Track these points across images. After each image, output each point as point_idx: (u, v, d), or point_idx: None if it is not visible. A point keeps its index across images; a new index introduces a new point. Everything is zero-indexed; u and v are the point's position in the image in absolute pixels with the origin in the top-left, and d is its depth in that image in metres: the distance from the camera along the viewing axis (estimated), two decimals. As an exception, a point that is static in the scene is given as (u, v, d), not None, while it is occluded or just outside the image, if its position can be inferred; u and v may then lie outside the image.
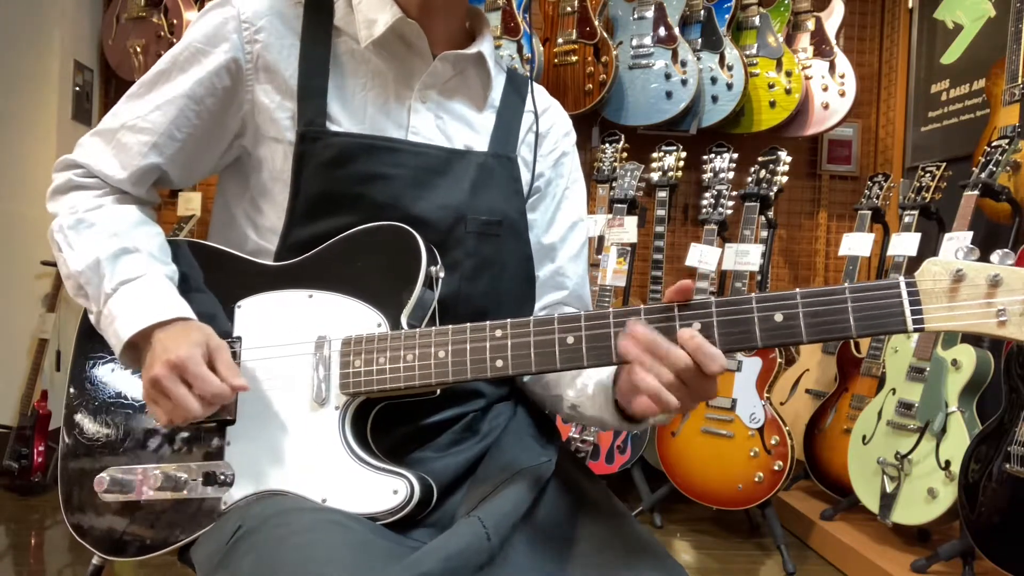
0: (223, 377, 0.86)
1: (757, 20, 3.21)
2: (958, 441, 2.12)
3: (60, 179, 1.00)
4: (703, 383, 0.78)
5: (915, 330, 0.72)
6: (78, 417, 1.00)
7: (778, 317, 0.76)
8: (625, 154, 3.07)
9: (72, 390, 1.01)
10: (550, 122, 1.14)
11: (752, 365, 2.53)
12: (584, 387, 0.97)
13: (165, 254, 0.98)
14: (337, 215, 0.95)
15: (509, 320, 0.85)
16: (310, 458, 0.88)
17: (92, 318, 0.95)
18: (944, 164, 2.64)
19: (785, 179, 2.78)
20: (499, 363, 0.84)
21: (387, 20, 0.99)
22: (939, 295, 0.72)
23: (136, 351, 0.91)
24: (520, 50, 3.13)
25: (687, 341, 0.76)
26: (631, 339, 0.79)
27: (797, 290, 0.76)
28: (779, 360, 2.53)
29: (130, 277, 0.92)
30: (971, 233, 2.25)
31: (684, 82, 3.07)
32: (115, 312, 0.91)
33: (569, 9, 3.16)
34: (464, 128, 1.05)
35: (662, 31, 3.12)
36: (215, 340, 0.89)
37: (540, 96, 1.15)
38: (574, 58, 3.15)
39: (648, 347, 0.78)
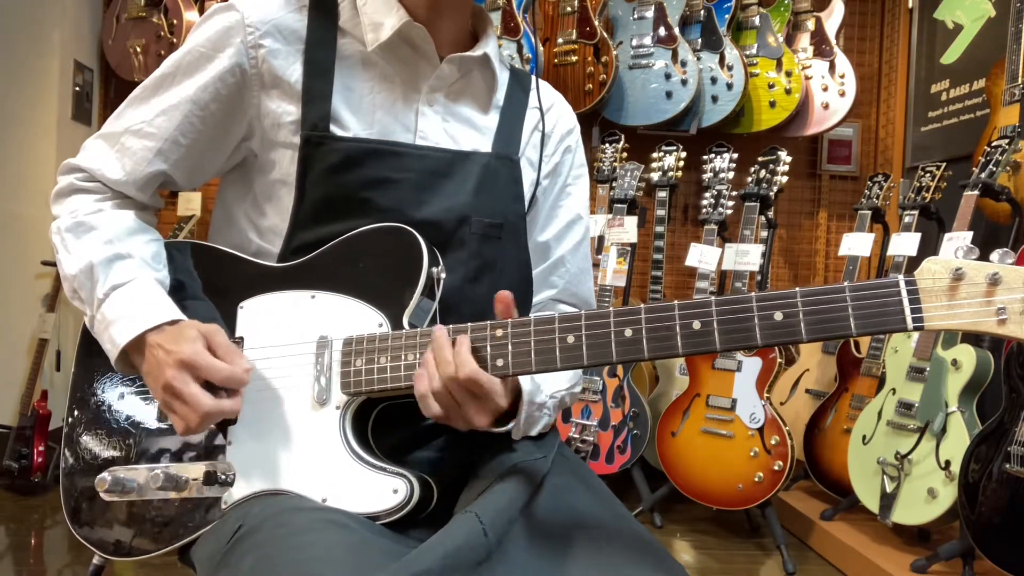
0: (227, 362, 0.87)
1: (757, 20, 3.22)
2: (958, 441, 2.12)
3: (62, 182, 1.00)
4: (465, 398, 0.83)
5: (915, 328, 0.72)
6: (82, 417, 1.00)
7: (778, 316, 0.76)
8: (625, 154, 3.07)
9: (75, 391, 1.02)
10: (554, 120, 1.14)
11: (752, 365, 2.53)
12: None
13: (158, 260, 0.99)
14: (342, 219, 0.95)
15: (510, 320, 0.85)
16: (311, 458, 0.89)
17: (87, 321, 0.96)
18: (944, 164, 2.64)
19: (785, 179, 2.78)
20: (499, 362, 0.84)
21: (394, 24, 0.98)
22: (939, 294, 0.72)
23: (128, 356, 0.92)
24: (520, 50, 3.13)
25: (456, 343, 0.84)
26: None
27: (797, 289, 0.76)
28: (779, 360, 2.53)
29: (121, 282, 0.93)
30: (971, 233, 2.25)
31: (684, 82, 3.07)
32: (109, 317, 0.91)
33: (569, 9, 3.16)
34: (470, 130, 1.05)
35: (662, 31, 3.12)
36: (206, 326, 0.89)
37: (545, 92, 1.15)
38: (574, 58, 3.15)
39: (435, 350, 0.84)
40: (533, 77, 1.14)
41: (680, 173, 3.00)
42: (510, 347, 0.84)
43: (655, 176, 2.99)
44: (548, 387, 0.98)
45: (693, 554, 2.53)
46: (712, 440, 2.55)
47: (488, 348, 0.84)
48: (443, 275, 0.94)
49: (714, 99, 3.14)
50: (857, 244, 2.73)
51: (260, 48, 0.96)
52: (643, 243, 3.09)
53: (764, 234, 2.92)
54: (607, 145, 3.09)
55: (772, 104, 3.17)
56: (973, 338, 2.29)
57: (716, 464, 2.54)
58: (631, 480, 2.80)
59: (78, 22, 3.23)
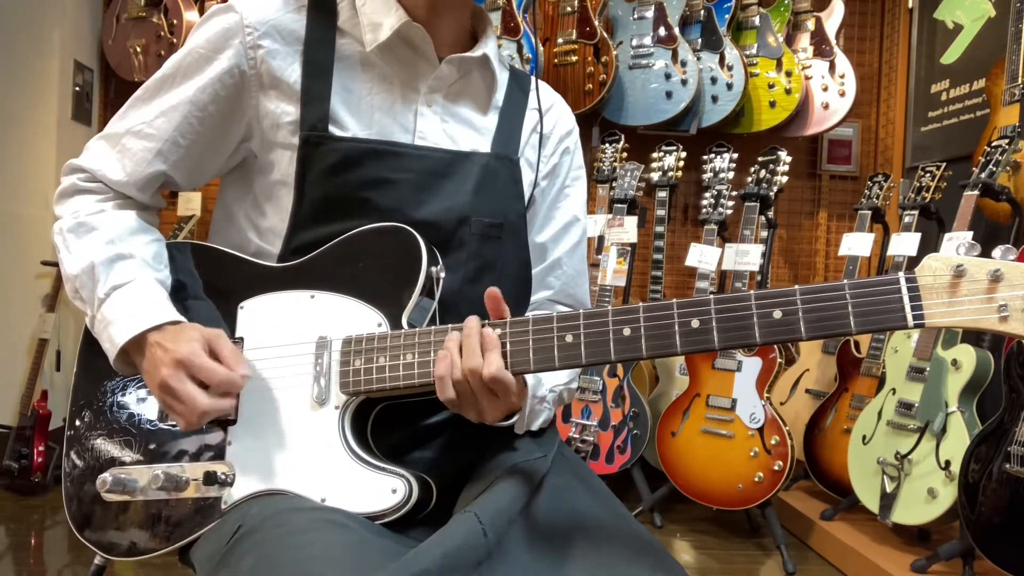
0: (228, 366, 0.87)
1: (757, 20, 3.22)
2: (958, 441, 2.12)
3: (65, 183, 1.01)
4: (483, 390, 0.83)
5: (915, 326, 0.72)
6: (83, 417, 1.00)
7: (777, 314, 0.75)
8: (625, 154, 3.07)
9: (76, 392, 1.02)
10: (553, 121, 1.14)
11: (752, 365, 2.53)
12: None
13: (159, 261, 0.99)
14: (342, 220, 0.95)
15: (508, 319, 0.85)
16: (310, 457, 0.89)
17: (88, 321, 0.96)
18: (944, 164, 2.64)
19: (785, 179, 2.78)
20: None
21: (393, 24, 0.98)
22: (939, 291, 0.72)
23: (127, 355, 0.92)
24: (520, 50, 3.13)
25: (484, 336, 0.84)
26: (457, 330, 0.85)
27: (796, 287, 0.75)
28: (779, 360, 2.52)
29: (122, 282, 0.93)
30: (971, 233, 2.25)
31: (684, 82, 3.07)
32: (109, 317, 0.92)
33: (569, 9, 3.16)
34: (469, 131, 1.05)
35: (662, 31, 3.12)
36: (208, 331, 0.90)
37: (544, 93, 1.15)
38: (574, 58, 3.15)
39: (463, 339, 0.84)
40: (532, 78, 1.14)
41: (680, 173, 3.00)
42: (508, 346, 0.84)
43: (655, 176, 2.99)
44: (548, 381, 0.99)
45: (693, 554, 2.53)
46: (712, 440, 2.55)
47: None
48: (442, 274, 0.94)
49: (714, 99, 3.14)
50: (857, 244, 2.73)
51: (259, 49, 0.96)
52: (643, 243, 3.09)
53: (764, 234, 2.92)
54: (607, 145, 3.09)
55: (772, 104, 3.17)
56: (973, 338, 2.29)
57: (716, 464, 2.54)
58: (631, 480, 2.79)
59: (78, 22, 3.23)
